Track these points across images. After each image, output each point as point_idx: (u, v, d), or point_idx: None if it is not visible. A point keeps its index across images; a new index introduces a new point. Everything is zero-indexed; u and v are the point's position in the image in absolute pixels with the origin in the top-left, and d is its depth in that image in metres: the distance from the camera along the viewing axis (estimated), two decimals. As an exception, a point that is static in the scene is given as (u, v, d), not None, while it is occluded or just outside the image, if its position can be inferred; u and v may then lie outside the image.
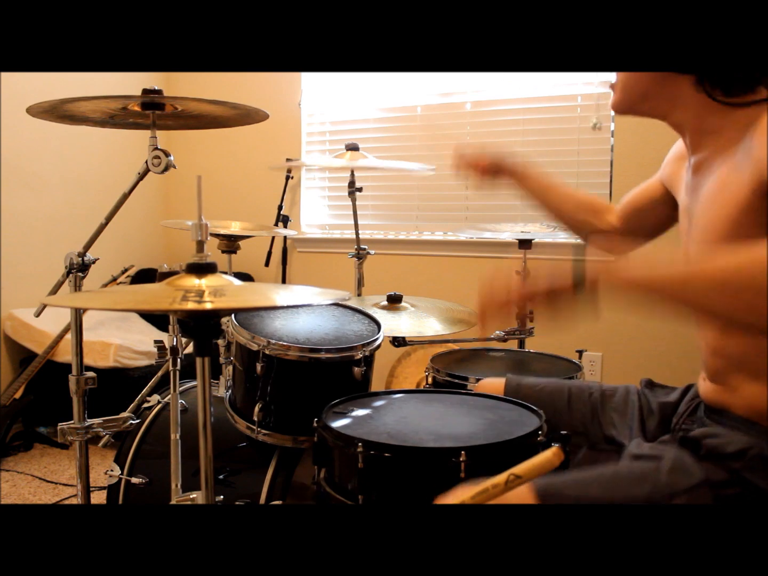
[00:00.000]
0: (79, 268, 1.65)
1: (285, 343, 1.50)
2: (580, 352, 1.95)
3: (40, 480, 2.72)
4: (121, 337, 3.08)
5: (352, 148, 2.22)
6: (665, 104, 1.13)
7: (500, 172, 1.55)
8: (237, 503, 1.53)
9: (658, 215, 1.39)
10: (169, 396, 1.57)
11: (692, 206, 1.16)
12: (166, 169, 1.50)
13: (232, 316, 1.58)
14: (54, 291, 1.67)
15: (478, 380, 1.65)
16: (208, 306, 0.86)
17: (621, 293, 0.95)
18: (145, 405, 1.87)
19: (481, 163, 1.54)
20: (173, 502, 1.39)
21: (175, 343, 1.54)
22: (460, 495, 1.02)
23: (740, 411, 1.08)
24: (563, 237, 2.36)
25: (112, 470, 1.77)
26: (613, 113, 2.91)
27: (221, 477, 1.60)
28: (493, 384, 1.49)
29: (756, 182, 0.96)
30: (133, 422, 1.79)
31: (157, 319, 3.44)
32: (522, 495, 1.02)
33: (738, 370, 1.09)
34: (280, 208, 3.49)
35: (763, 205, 0.97)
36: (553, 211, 1.53)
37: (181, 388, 1.75)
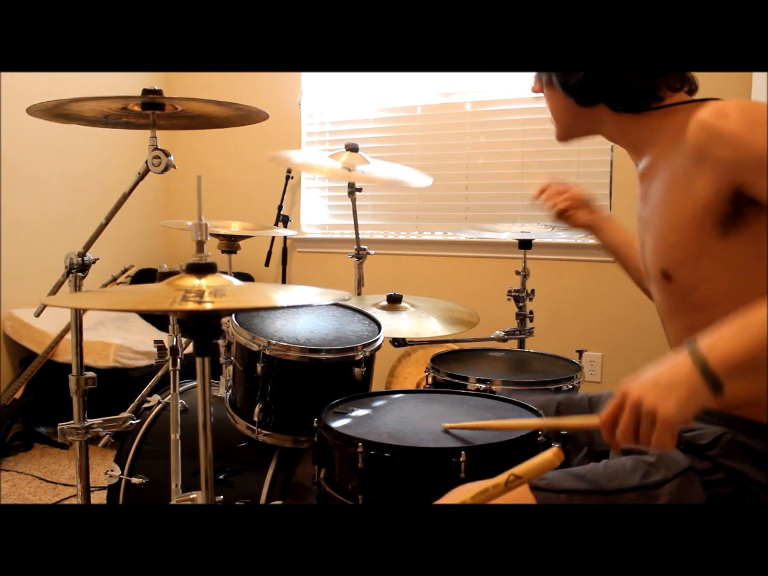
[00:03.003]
0: (79, 268, 1.65)
1: (285, 344, 1.50)
2: (580, 352, 1.95)
3: (40, 480, 2.72)
4: (121, 337, 3.08)
5: (352, 148, 2.22)
6: (594, 127, 1.21)
7: (582, 213, 1.49)
8: (237, 503, 1.53)
9: None
10: (169, 396, 1.57)
11: (643, 214, 1.19)
12: (166, 169, 1.50)
13: (233, 316, 1.58)
14: (54, 291, 1.67)
15: (478, 380, 1.65)
16: (208, 306, 0.86)
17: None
18: (145, 405, 1.87)
19: (568, 196, 1.49)
20: (173, 502, 1.39)
21: (175, 343, 1.54)
22: (460, 495, 1.02)
23: (715, 404, 1.09)
24: (563, 237, 2.36)
25: (112, 470, 1.77)
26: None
27: (221, 477, 1.60)
28: None
29: (719, 185, 1.00)
30: (133, 422, 1.79)
31: (157, 319, 3.44)
32: (517, 491, 1.02)
33: None
34: (280, 208, 3.49)
35: (722, 204, 1.00)
36: (624, 265, 1.47)
37: (181, 388, 1.75)
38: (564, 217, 1.50)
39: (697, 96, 1.14)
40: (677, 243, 1.07)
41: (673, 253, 1.09)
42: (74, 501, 2.16)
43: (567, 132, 1.26)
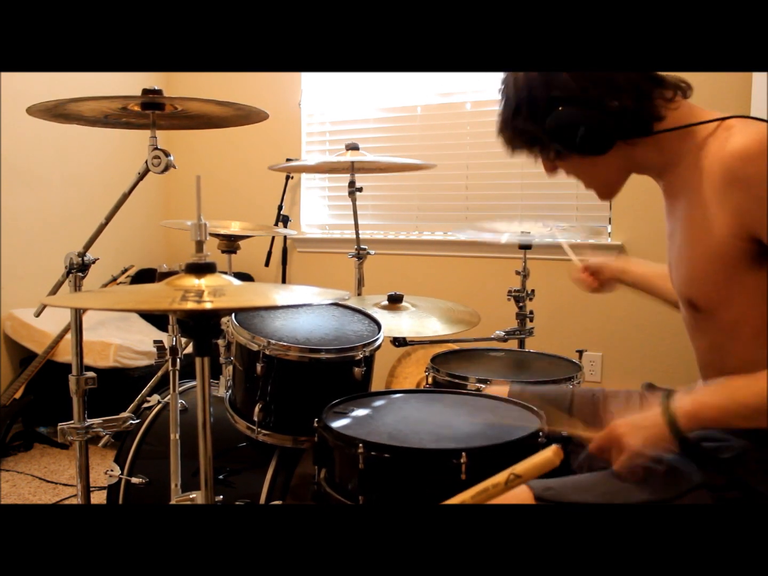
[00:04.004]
0: (79, 268, 1.65)
1: (285, 344, 1.49)
2: (580, 352, 1.95)
3: (40, 480, 2.72)
4: (121, 337, 3.08)
5: (353, 147, 2.22)
6: (629, 170, 1.18)
7: (606, 278, 1.56)
8: (237, 503, 1.53)
9: None
10: (169, 396, 1.57)
11: (672, 231, 1.18)
12: (166, 169, 1.50)
13: (232, 316, 1.58)
14: (54, 291, 1.67)
15: (478, 380, 1.65)
16: (208, 306, 0.86)
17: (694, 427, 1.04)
18: (145, 405, 1.87)
19: (599, 276, 1.56)
20: (173, 502, 1.39)
21: (174, 343, 1.54)
22: (460, 495, 1.03)
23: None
24: (563, 238, 2.36)
25: (112, 470, 1.77)
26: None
27: (221, 477, 1.60)
28: (496, 392, 1.50)
29: (738, 228, 0.99)
30: (133, 422, 1.79)
31: (157, 319, 3.44)
32: (521, 500, 1.01)
33: (730, 370, 1.09)
34: (280, 208, 3.49)
35: (745, 243, 1.00)
36: (655, 295, 1.51)
37: (180, 388, 1.75)
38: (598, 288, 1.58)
39: (702, 105, 1.12)
40: (704, 276, 1.07)
41: (699, 285, 1.09)
42: (74, 501, 2.16)
43: (610, 188, 1.21)
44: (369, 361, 1.56)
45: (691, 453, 1.06)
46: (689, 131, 1.09)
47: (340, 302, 1.76)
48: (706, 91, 1.16)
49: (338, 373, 1.52)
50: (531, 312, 2.21)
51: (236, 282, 0.96)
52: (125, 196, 1.60)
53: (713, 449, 1.05)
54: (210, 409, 0.94)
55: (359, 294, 2.39)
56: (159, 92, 1.46)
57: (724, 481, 1.01)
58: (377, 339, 1.58)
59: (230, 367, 1.66)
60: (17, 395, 2.91)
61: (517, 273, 2.23)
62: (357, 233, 2.45)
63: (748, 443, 1.04)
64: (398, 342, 1.92)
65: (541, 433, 1.21)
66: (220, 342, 1.67)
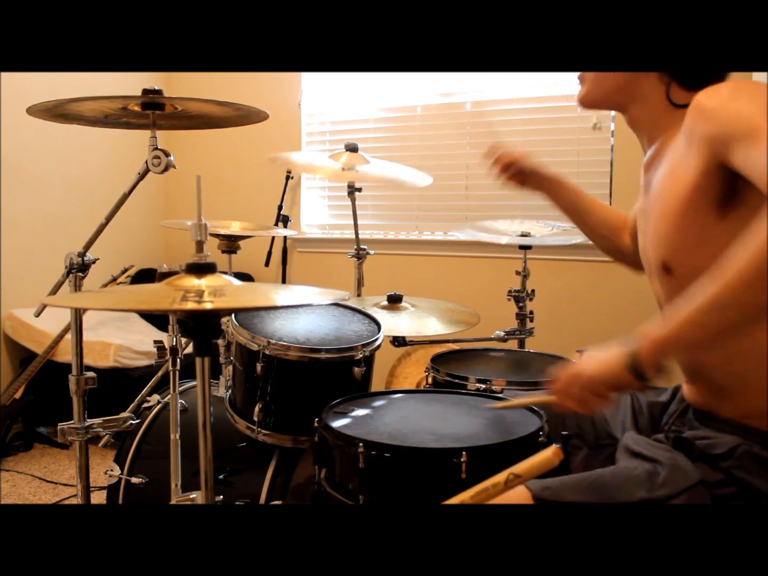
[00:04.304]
0: (79, 268, 1.65)
1: (285, 343, 1.50)
2: (580, 352, 1.95)
3: (40, 480, 2.72)
4: (121, 337, 3.08)
5: (352, 149, 2.22)
6: (628, 99, 1.17)
7: (530, 178, 1.52)
8: (237, 503, 1.53)
9: None
10: (169, 396, 1.57)
11: (645, 206, 1.18)
12: (166, 169, 1.50)
13: (232, 316, 1.58)
14: (54, 291, 1.67)
15: (478, 380, 1.65)
16: (208, 306, 0.86)
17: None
18: (145, 405, 1.87)
19: (515, 165, 1.51)
20: (173, 502, 1.39)
21: (174, 343, 1.54)
22: (460, 495, 1.03)
23: (726, 413, 1.09)
24: (562, 239, 2.36)
25: (112, 470, 1.77)
26: (613, 114, 2.91)
27: (221, 477, 1.60)
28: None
29: (705, 163, 0.99)
30: (133, 422, 1.79)
31: (157, 319, 3.44)
32: (519, 500, 1.01)
33: (712, 366, 1.10)
34: (280, 208, 3.49)
35: (713, 183, 1.00)
36: (578, 222, 1.52)
37: (180, 388, 1.75)
38: (513, 184, 1.53)
39: None
40: (675, 229, 1.06)
41: (672, 241, 1.07)
42: (74, 501, 2.16)
43: (600, 97, 1.20)
44: (369, 361, 1.56)
45: (686, 450, 1.06)
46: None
47: (339, 302, 1.76)
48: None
49: (338, 373, 1.53)
50: (531, 312, 2.21)
51: (236, 282, 0.96)
52: (125, 196, 1.60)
53: (705, 446, 1.05)
54: (210, 409, 0.94)
55: (359, 294, 2.39)
56: (159, 92, 1.46)
57: (720, 477, 1.01)
58: (377, 339, 1.58)
59: (230, 367, 1.66)
60: (17, 395, 2.91)
61: (517, 273, 2.23)
62: (357, 233, 2.45)
63: (736, 438, 1.04)
64: (398, 342, 1.92)
65: (541, 432, 1.21)
66: (220, 342, 1.67)
